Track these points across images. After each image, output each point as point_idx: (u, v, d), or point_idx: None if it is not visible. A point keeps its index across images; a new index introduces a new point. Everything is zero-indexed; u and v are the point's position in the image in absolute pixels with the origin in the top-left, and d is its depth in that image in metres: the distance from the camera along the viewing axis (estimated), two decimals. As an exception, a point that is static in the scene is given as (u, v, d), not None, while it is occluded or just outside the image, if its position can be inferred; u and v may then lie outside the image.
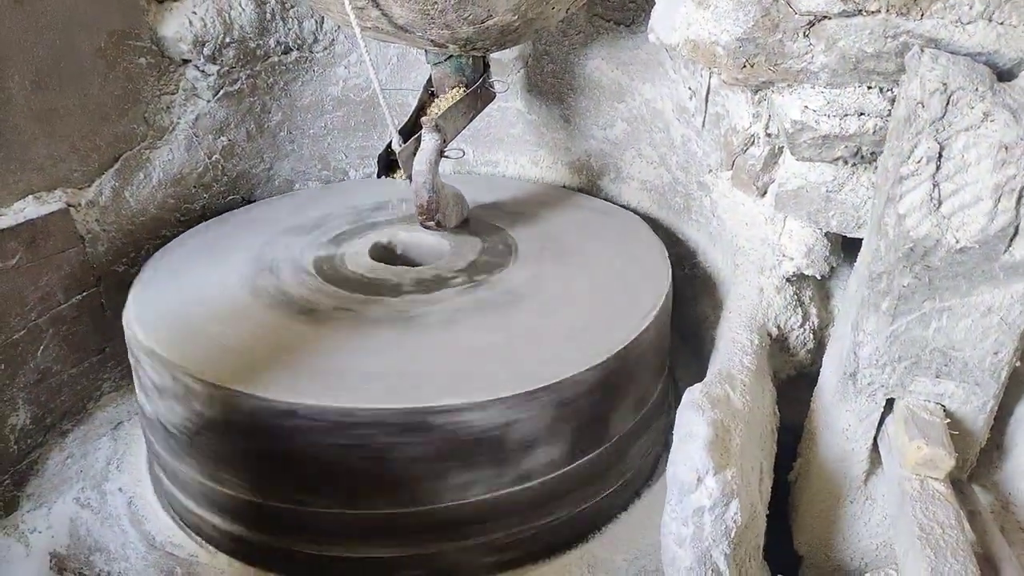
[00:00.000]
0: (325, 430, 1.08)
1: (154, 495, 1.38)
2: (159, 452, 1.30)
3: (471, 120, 1.59)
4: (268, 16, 1.76)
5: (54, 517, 1.34)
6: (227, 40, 1.69)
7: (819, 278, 1.36)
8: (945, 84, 0.93)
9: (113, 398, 1.65)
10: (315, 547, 1.19)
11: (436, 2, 1.27)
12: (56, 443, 1.52)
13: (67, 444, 1.52)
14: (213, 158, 1.78)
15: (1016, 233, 0.91)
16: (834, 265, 1.36)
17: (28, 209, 1.43)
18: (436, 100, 1.57)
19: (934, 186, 0.92)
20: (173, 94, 1.69)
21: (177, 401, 1.18)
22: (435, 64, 1.55)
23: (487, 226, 1.64)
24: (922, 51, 0.98)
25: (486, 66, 1.59)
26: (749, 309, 1.34)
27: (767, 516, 1.10)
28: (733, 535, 0.94)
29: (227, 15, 1.68)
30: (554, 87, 1.93)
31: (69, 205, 1.50)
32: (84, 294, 1.55)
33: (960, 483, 1.07)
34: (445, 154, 1.48)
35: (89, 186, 1.55)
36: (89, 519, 1.34)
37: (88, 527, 1.33)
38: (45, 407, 1.50)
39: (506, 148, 2.07)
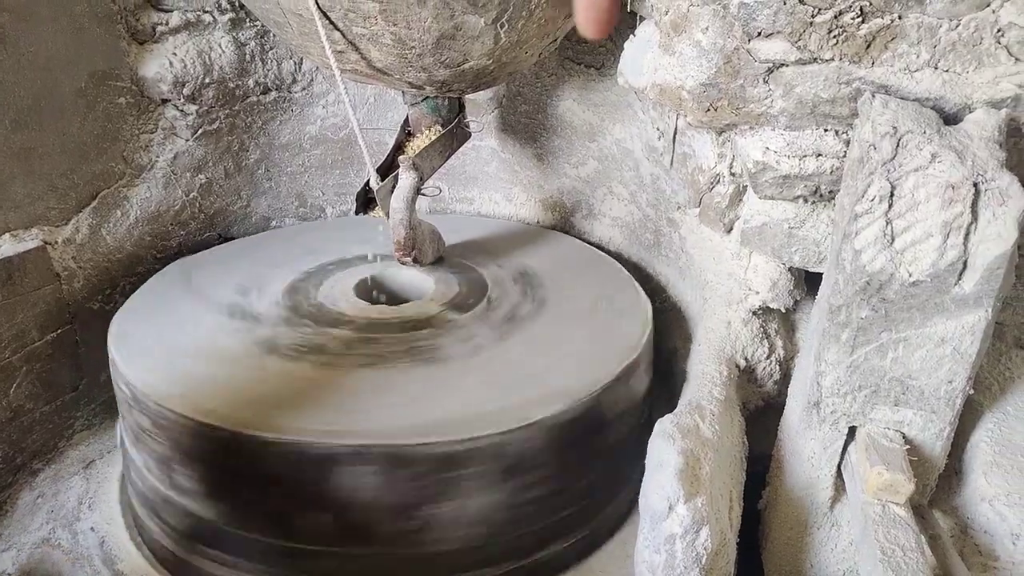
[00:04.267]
0: (310, 466, 1.09)
1: (127, 534, 1.37)
2: (138, 486, 1.29)
3: (447, 159, 1.63)
4: (248, 57, 1.79)
5: (24, 558, 1.32)
6: (207, 81, 1.72)
7: (784, 311, 1.41)
8: (895, 128, 0.99)
9: (85, 436, 1.63)
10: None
11: (414, 47, 1.31)
12: (26, 482, 1.50)
13: (37, 483, 1.50)
14: (191, 196, 1.80)
15: (965, 267, 0.96)
16: (798, 299, 1.40)
17: (5, 247, 1.43)
18: (413, 139, 1.61)
19: (887, 223, 0.97)
20: (152, 133, 1.71)
21: (162, 439, 1.19)
22: (412, 104, 1.59)
23: (462, 263, 1.67)
24: (873, 96, 1.04)
25: (461, 106, 1.64)
26: (717, 342, 1.38)
27: (739, 545, 1.13)
28: (704, 562, 0.96)
29: (207, 56, 1.71)
30: (527, 127, 1.99)
31: (46, 243, 1.51)
32: (59, 331, 1.54)
33: (921, 508, 1.11)
34: (422, 192, 1.52)
35: (66, 224, 1.56)
36: (60, 559, 1.32)
37: (59, 568, 1.31)
38: (16, 446, 1.49)
39: (481, 185, 2.11)
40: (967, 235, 0.95)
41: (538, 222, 2.06)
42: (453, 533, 1.16)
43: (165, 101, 1.70)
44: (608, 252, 1.84)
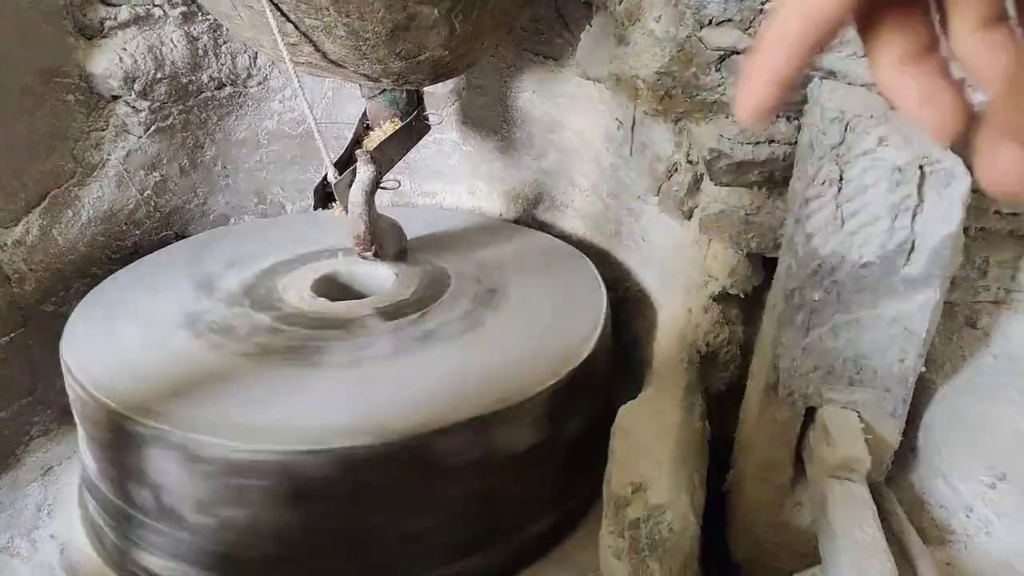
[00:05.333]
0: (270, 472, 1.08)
1: (87, 540, 1.34)
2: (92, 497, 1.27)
3: (406, 152, 1.62)
4: (200, 52, 1.76)
5: (-20, 568, 1.30)
6: (158, 76, 1.69)
7: (743, 297, 1.43)
8: (843, 112, 1.00)
9: (43, 443, 1.59)
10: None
11: (368, 38, 1.30)
12: (-18, 491, 1.47)
13: (-7, 492, 1.47)
14: (145, 194, 1.77)
15: (913, 248, 0.98)
16: (756, 284, 1.42)
17: (-49, 250, 1.39)
18: (371, 133, 1.60)
19: (837, 207, 0.99)
20: (103, 130, 1.67)
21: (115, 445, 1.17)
22: (370, 98, 1.58)
23: (424, 258, 1.66)
24: (821, 82, 1.06)
25: (420, 99, 1.63)
26: (678, 328, 1.40)
27: (705, 528, 1.14)
28: (669, 544, 0.97)
29: (158, 51, 1.68)
30: (488, 119, 1.98)
31: (-6, 245, 1.47)
32: (11, 335, 1.51)
33: (878, 485, 1.14)
34: (381, 185, 1.51)
35: (16, 225, 1.52)
36: (20, 569, 1.29)
37: (18, 577, 1.28)
38: (-30, 454, 1.45)
39: (443, 179, 2.11)
40: (914, 216, 0.98)
41: (501, 215, 2.06)
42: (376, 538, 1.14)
43: (116, 98, 1.66)
44: (571, 243, 1.84)
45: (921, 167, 0.96)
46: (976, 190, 1.05)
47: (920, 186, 0.96)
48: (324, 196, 1.53)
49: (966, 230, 1.19)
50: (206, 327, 1.35)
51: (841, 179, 0.98)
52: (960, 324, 1.34)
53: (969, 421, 1.16)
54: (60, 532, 1.37)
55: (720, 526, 1.34)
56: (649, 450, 1.03)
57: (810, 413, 1.12)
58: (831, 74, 1.08)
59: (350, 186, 1.45)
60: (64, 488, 1.47)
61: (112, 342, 1.32)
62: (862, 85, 1.08)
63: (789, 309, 1.05)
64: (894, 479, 1.17)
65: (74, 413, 1.28)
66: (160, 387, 1.18)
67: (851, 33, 1.11)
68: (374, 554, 1.15)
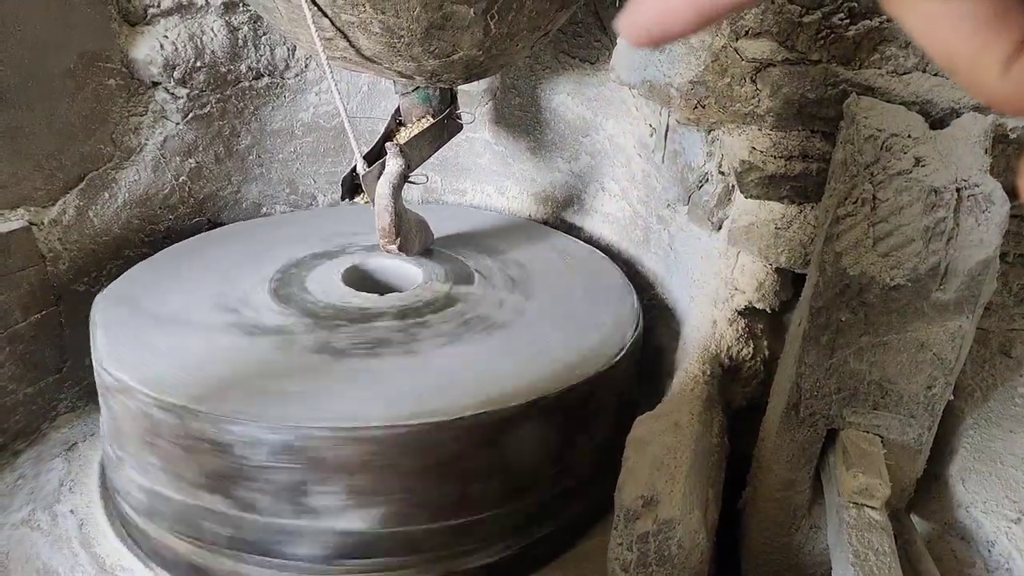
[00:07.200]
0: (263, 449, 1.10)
1: (105, 517, 1.37)
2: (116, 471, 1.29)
3: (437, 150, 1.62)
4: (240, 42, 1.78)
5: (3, 539, 1.32)
6: (198, 64, 1.71)
7: (770, 312, 1.40)
8: (880, 130, 0.98)
9: (69, 419, 1.63)
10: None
11: (403, 36, 1.30)
12: (8, 463, 1.50)
13: (19, 464, 1.50)
14: (180, 180, 1.79)
15: (946, 273, 0.96)
16: (784, 299, 1.40)
17: (-11, 227, 1.43)
18: (403, 128, 1.60)
19: (869, 227, 0.96)
20: (142, 116, 1.70)
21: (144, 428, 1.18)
22: (403, 94, 1.58)
23: (451, 255, 1.66)
24: (859, 98, 1.04)
25: (453, 98, 1.63)
26: (702, 340, 1.38)
27: (719, 543, 1.13)
28: (677, 561, 0.96)
29: (199, 40, 1.70)
30: (521, 120, 1.98)
31: (31, 223, 1.50)
32: (43, 313, 1.54)
33: (899, 512, 1.11)
34: (410, 179, 1.51)
35: (53, 205, 1.55)
36: (39, 541, 1.32)
37: (37, 549, 1.31)
38: (-2, 426, 1.49)
39: (473, 177, 2.11)
40: (949, 240, 0.95)
41: (530, 216, 2.05)
42: (398, 526, 1.16)
43: (155, 84, 1.69)
44: (599, 248, 1.83)
45: (958, 190, 0.94)
46: (1016, 215, 1.03)
47: (956, 210, 0.94)
48: (352, 187, 1.53)
49: (1004, 256, 1.16)
50: (263, 332, 1.32)
51: (874, 199, 0.96)
52: (993, 351, 1.30)
53: (996, 452, 1.13)
54: (80, 508, 1.40)
55: (735, 542, 1.32)
56: (663, 463, 1.02)
57: (831, 435, 1.10)
58: (870, 90, 1.06)
59: (378, 178, 1.45)
60: (86, 465, 1.50)
61: (197, 366, 1.23)
62: (902, 103, 1.05)
63: (814, 328, 1.03)
64: (916, 507, 1.14)
65: (147, 442, 1.19)
66: (291, 396, 1.16)
67: (892, 49, 1.08)
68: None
